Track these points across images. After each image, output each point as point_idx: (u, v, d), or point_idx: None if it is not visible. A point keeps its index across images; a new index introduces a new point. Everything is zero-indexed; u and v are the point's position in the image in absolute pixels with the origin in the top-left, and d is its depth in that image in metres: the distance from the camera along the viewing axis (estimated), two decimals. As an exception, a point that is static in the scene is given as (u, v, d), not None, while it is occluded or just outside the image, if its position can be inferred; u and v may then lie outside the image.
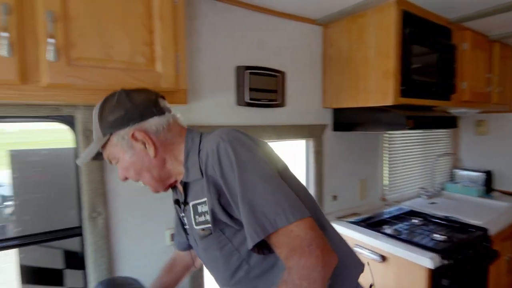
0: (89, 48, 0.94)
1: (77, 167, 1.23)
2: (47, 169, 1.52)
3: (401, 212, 2.16)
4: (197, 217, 0.87)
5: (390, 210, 2.20)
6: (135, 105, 0.84)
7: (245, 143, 0.76)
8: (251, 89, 1.60)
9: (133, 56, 1.01)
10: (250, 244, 0.69)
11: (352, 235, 1.83)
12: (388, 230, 1.79)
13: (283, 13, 1.73)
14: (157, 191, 0.92)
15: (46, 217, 1.52)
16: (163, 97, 0.91)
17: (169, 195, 1.42)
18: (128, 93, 0.86)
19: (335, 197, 2.07)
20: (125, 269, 1.34)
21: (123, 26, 0.99)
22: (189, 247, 1.16)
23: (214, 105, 1.54)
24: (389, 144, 2.46)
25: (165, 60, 1.07)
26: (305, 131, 1.87)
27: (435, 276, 1.49)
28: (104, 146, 0.87)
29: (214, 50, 1.53)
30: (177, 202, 0.97)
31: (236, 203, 0.72)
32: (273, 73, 1.68)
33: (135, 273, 1.33)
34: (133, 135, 0.83)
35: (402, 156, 2.60)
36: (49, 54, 0.87)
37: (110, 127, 0.84)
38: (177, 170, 0.89)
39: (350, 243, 1.83)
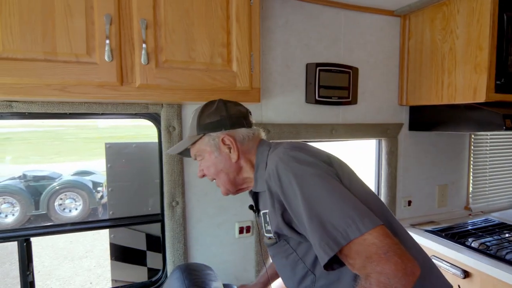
0: (175, 51, 1.03)
1: (161, 159, 1.35)
2: (135, 160, 1.71)
3: (489, 223, 1.91)
4: (266, 225, 0.93)
5: (475, 221, 1.96)
6: (229, 114, 0.96)
7: (303, 160, 0.78)
8: (321, 87, 1.57)
9: (212, 57, 1.08)
10: (323, 259, 0.67)
11: (429, 245, 1.67)
12: (474, 243, 1.59)
13: (358, 6, 1.66)
14: (227, 193, 1.01)
15: (132, 203, 1.72)
16: (251, 113, 1.04)
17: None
18: (225, 102, 0.98)
19: (409, 203, 1.92)
20: (197, 256, 1.44)
21: (205, 29, 1.06)
22: None
23: (284, 103, 1.55)
24: (474, 147, 2.18)
25: (240, 60, 1.11)
26: (378, 130, 1.77)
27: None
28: (195, 143, 0.98)
29: (285, 49, 1.53)
30: (251, 207, 1.05)
31: (300, 221, 0.74)
32: (344, 69, 1.62)
33: (205, 260, 1.42)
34: (223, 139, 0.94)
35: (492, 161, 2.28)
36: (142, 58, 0.98)
37: (205, 128, 0.96)
38: (249, 178, 0.98)
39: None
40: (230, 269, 1.49)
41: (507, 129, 1.38)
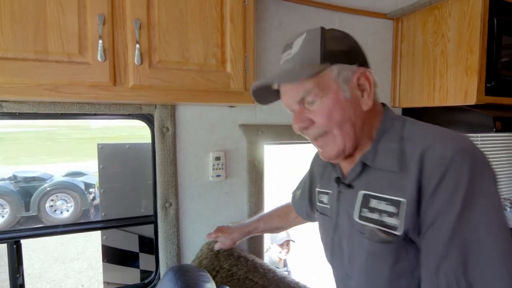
0: (169, 52, 1.02)
1: (154, 160, 1.34)
2: (128, 161, 1.69)
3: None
4: (365, 210, 0.71)
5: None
6: (359, 47, 0.74)
7: (487, 175, 0.60)
8: (315, 88, 1.57)
9: (206, 58, 1.08)
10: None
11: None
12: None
13: (352, 9, 1.67)
14: (338, 154, 0.74)
15: (125, 205, 1.70)
16: None
17: (233, 190, 1.49)
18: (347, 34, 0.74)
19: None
20: (191, 258, 1.43)
21: (199, 30, 1.06)
22: (307, 217, 1.16)
23: (278, 104, 1.54)
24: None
25: (234, 61, 1.11)
26: (371, 132, 1.78)
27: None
28: (315, 75, 0.69)
29: (280, 50, 1.53)
30: (338, 180, 0.81)
31: (428, 232, 0.61)
32: (338, 71, 1.63)
33: (200, 262, 1.42)
34: (359, 77, 0.70)
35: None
36: (135, 58, 0.97)
37: (333, 55, 0.69)
38: (363, 141, 0.74)
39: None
40: (223, 271, 1.48)
41: (497, 131, 1.40)
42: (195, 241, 1.44)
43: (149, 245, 1.74)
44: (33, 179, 5.59)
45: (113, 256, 1.84)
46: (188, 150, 1.39)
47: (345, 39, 0.73)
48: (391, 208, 0.66)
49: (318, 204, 0.93)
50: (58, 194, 5.47)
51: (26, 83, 0.90)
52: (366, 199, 0.71)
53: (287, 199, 1.30)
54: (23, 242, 1.28)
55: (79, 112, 1.19)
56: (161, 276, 1.35)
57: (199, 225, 1.44)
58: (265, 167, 1.54)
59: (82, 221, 5.31)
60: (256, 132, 1.49)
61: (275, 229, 1.33)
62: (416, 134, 0.68)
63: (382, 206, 0.67)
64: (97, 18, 0.94)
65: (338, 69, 0.69)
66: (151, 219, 1.41)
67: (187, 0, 1.04)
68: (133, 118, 1.33)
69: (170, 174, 1.34)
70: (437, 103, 1.58)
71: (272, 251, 2.82)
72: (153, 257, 1.42)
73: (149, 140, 1.35)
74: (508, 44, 1.45)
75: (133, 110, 1.26)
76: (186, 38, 1.04)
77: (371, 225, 0.69)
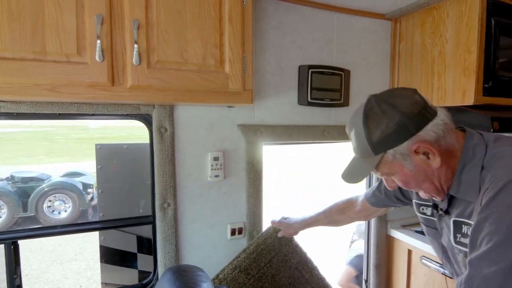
0: (167, 52, 1.02)
1: (152, 160, 1.34)
2: (126, 161, 1.69)
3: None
4: (459, 235, 0.81)
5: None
6: (405, 115, 0.73)
7: None
8: (313, 89, 1.58)
9: (204, 58, 1.08)
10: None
11: (419, 245, 1.69)
12: (463, 243, 1.62)
13: (350, 9, 1.68)
14: (436, 197, 0.84)
15: (123, 205, 1.70)
16: (418, 93, 0.80)
17: (232, 190, 1.49)
18: (386, 101, 0.76)
19: (400, 203, 1.94)
20: (189, 258, 1.43)
21: (198, 30, 1.06)
22: (381, 205, 1.24)
23: (277, 105, 1.56)
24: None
25: (233, 61, 1.11)
26: (369, 132, 1.78)
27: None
28: (377, 166, 0.79)
29: (278, 50, 1.54)
30: (435, 207, 0.91)
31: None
32: (336, 72, 1.64)
33: (197, 262, 1.41)
34: (414, 150, 0.75)
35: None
36: (134, 59, 0.97)
37: (382, 145, 0.75)
38: (445, 177, 0.80)
39: (416, 255, 1.71)
40: (222, 271, 1.48)
41: (495, 131, 1.41)
42: (194, 242, 1.43)
43: (147, 246, 1.74)
44: (31, 179, 5.56)
45: (111, 256, 1.83)
46: (187, 150, 1.39)
47: (390, 120, 0.74)
48: (467, 231, 0.75)
49: (420, 215, 1.01)
50: (56, 195, 5.44)
51: (24, 83, 0.90)
52: (459, 225, 0.80)
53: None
54: (21, 242, 1.28)
55: (77, 112, 1.19)
56: (159, 277, 1.35)
57: (197, 226, 1.44)
58: (264, 167, 1.54)
59: (80, 221, 5.29)
60: (255, 132, 1.49)
61: (335, 222, 1.40)
62: (495, 164, 0.72)
63: (469, 231, 0.74)
64: (95, 18, 0.94)
65: (392, 154, 0.76)
66: (149, 220, 1.40)
67: (185, 1, 1.04)
68: (131, 118, 1.33)
69: (169, 175, 1.33)
70: (435, 103, 1.58)
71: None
72: (151, 257, 1.42)
73: (148, 141, 1.35)
74: (505, 45, 1.46)
75: (132, 110, 1.26)
76: (184, 38, 1.04)
77: (464, 249, 0.78)
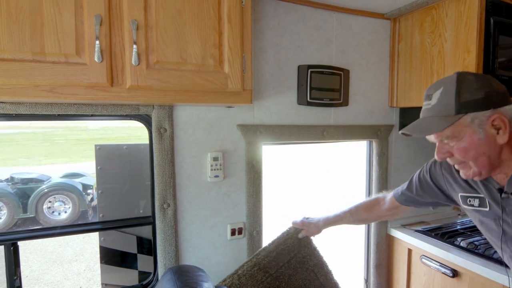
0: (167, 52, 1.02)
1: (152, 161, 1.34)
2: (126, 162, 1.69)
3: (478, 223, 1.94)
4: None
5: (463, 221, 1.99)
6: (495, 89, 0.85)
7: None
8: (312, 88, 1.58)
9: (204, 59, 1.07)
10: None
11: (419, 245, 1.69)
12: (463, 242, 1.62)
13: (350, 9, 1.68)
14: (475, 176, 0.91)
15: (123, 206, 1.70)
16: None
17: (231, 190, 1.48)
18: (485, 78, 0.87)
19: (400, 203, 1.94)
20: (189, 259, 1.43)
21: (197, 30, 1.06)
22: (411, 204, 1.26)
23: (276, 105, 1.56)
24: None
25: (232, 61, 1.11)
26: (369, 132, 1.78)
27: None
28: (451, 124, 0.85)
29: (278, 50, 1.54)
30: (501, 191, 0.94)
31: None
32: (335, 71, 1.64)
33: (197, 263, 1.41)
34: (493, 120, 0.84)
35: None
36: (133, 59, 0.97)
37: (466, 107, 0.84)
38: (507, 163, 0.89)
39: (416, 255, 1.71)
40: (222, 271, 1.48)
41: (494, 130, 1.41)
42: (194, 242, 1.43)
43: (147, 246, 1.74)
44: (31, 180, 5.56)
45: (111, 257, 1.83)
46: (186, 151, 1.39)
47: (481, 88, 0.84)
48: None
49: (469, 207, 1.05)
50: (56, 196, 5.44)
51: (23, 84, 0.90)
52: None
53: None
54: (21, 244, 1.27)
55: (77, 113, 1.19)
56: (159, 277, 1.34)
57: (197, 226, 1.44)
58: (264, 167, 1.54)
59: (80, 222, 5.28)
60: (254, 132, 1.49)
61: (360, 221, 1.43)
62: None
63: None
64: (94, 18, 0.94)
65: (472, 117, 0.84)
66: (149, 220, 1.40)
67: (184, 1, 1.04)
68: (130, 119, 1.33)
69: (168, 175, 1.33)
70: (434, 103, 1.59)
71: None
72: (151, 258, 1.42)
73: (147, 141, 1.35)
74: (505, 44, 1.46)
75: (131, 111, 1.26)
76: (183, 38, 1.04)
77: None
